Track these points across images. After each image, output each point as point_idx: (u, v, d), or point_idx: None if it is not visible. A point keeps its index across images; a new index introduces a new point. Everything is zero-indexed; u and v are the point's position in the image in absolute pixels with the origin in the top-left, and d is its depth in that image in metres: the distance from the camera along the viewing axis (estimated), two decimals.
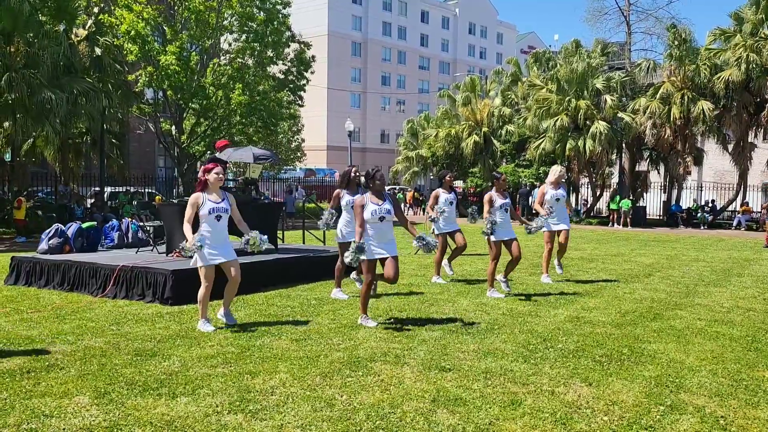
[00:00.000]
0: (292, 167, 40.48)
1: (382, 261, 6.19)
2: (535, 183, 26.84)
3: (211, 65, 23.69)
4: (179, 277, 7.34)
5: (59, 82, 18.64)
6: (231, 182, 9.52)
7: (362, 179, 7.22)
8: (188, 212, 5.87)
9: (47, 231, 9.51)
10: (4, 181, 20.69)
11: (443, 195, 9.07)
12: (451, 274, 9.34)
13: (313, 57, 26.59)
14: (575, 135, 25.09)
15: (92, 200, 22.70)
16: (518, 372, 4.67)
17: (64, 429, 3.49)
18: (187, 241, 5.76)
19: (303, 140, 40.60)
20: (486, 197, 7.98)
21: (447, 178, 9.36)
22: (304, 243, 12.38)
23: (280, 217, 12.25)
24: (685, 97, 23.13)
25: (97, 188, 23.64)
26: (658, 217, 27.82)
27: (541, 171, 26.45)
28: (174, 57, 21.97)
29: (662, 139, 23.82)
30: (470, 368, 4.74)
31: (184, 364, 4.79)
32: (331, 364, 4.82)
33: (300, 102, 27.29)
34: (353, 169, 7.93)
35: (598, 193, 28.02)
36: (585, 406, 3.97)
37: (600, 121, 24.38)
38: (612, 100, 24.55)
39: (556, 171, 9.05)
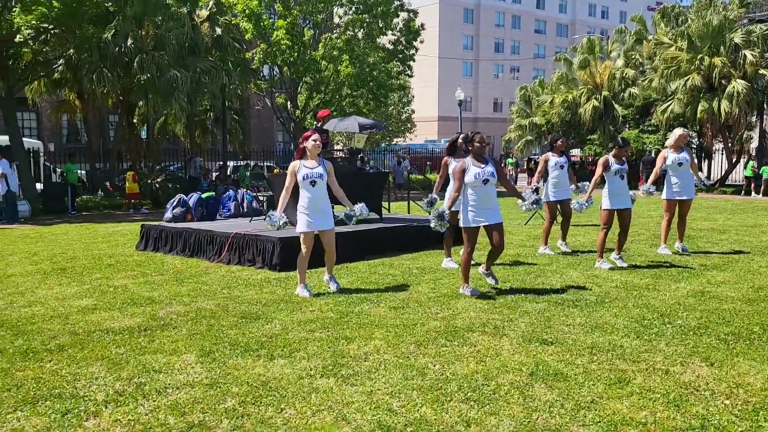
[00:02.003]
0: (431, 139, 39.60)
1: (487, 229, 6.00)
2: (661, 150, 24.98)
3: (323, 39, 24.12)
4: (286, 245, 7.57)
5: (184, 62, 19.81)
6: (338, 153, 9.63)
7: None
8: (287, 180, 5.99)
9: (171, 201, 10.20)
10: (141, 156, 22.46)
11: (553, 158, 8.62)
12: (566, 251, 8.80)
13: (422, 25, 26.24)
14: (708, 96, 22.91)
15: (216, 173, 24.13)
16: (629, 348, 4.32)
17: (169, 384, 3.69)
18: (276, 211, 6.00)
19: (413, 111, 40.45)
20: (601, 160, 7.51)
21: (558, 143, 8.87)
22: (409, 213, 12.36)
23: (387, 187, 12.29)
24: None
25: (221, 162, 25.10)
26: None
27: (668, 136, 24.53)
28: (284, 32, 22.57)
29: None
30: (574, 342, 4.46)
31: (285, 328, 4.91)
32: (427, 332, 4.74)
33: (409, 72, 27.13)
34: (461, 136, 7.76)
35: (734, 160, 25.54)
36: (704, 388, 3.58)
37: (738, 80, 22.05)
38: (752, 55, 22.06)
39: (676, 134, 8.36)
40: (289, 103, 26.11)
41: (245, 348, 4.38)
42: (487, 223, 5.95)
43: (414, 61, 26.74)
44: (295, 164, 6.06)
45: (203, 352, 4.29)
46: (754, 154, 24.71)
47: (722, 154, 26.25)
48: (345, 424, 3.13)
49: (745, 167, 23.47)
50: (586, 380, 3.70)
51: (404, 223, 9.59)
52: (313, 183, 6.03)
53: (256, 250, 7.85)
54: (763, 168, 22.37)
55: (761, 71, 22.09)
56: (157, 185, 18.99)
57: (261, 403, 3.40)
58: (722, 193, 23.42)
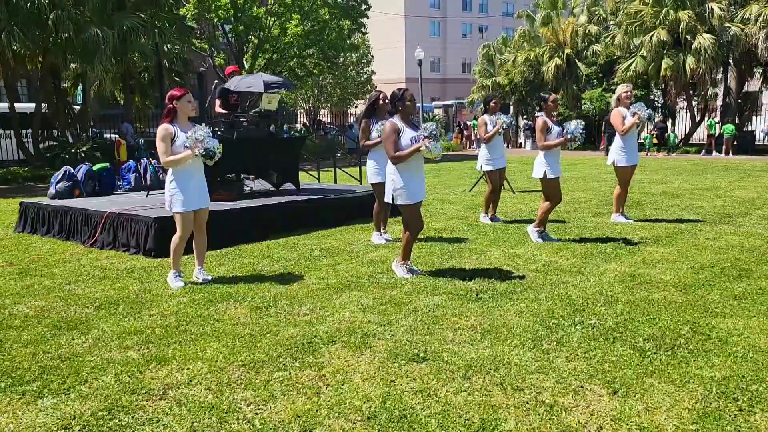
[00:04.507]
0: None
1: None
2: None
3: None
4: (161, 226, 6.44)
5: (109, 19, 18.14)
6: (247, 115, 8.43)
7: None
8: (161, 146, 4.86)
9: (56, 174, 8.93)
10: (68, 124, 20.82)
11: (490, 123, 7.72)
12: (489, 222, 7.91)
13: None
14: (673, 52, 21.98)
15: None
16: (516, 366, 3.35)
17: None
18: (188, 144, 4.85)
19: (373, 72, 38.83)
20: (540, 123, 6.50)
21: (492, 103, 7.96)
22: (336, 182, 11.25)
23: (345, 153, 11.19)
24: None
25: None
26: None
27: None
28: None
29: None
30: (452, 357, 3.47)
31: (96, 343, 3.84)
32: (273, 347, 3.71)
33: (362, 30, 25.60)
34: (380, 95, 6.62)
35: (698, 119, 24.80)
36: None
37: (704, 34, 21.11)
38: (719, 8, 21.10)
39: (621, 90, 7.40)
40: (234, 63, 24.49)
41: (14, 381, 3.30)
42: (421, 199, 5.17)
43: (367, 17, 25.18)
44: (168, 128, 4.89)
45: None
46: (718, 111, 24.00)
47: (686, 112, 25.49)
48: None
49: (708, 126, 22.74)
50: (437, 428, 2.71)
51: (324, 195, 8.50)
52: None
53: (131, 233, 6.72)
54: (725, 127, 21.68)
55: (726, 24, 21.16)
56: (83, 154, 17.50)
57: None
58: (685, 153, 22.74)
